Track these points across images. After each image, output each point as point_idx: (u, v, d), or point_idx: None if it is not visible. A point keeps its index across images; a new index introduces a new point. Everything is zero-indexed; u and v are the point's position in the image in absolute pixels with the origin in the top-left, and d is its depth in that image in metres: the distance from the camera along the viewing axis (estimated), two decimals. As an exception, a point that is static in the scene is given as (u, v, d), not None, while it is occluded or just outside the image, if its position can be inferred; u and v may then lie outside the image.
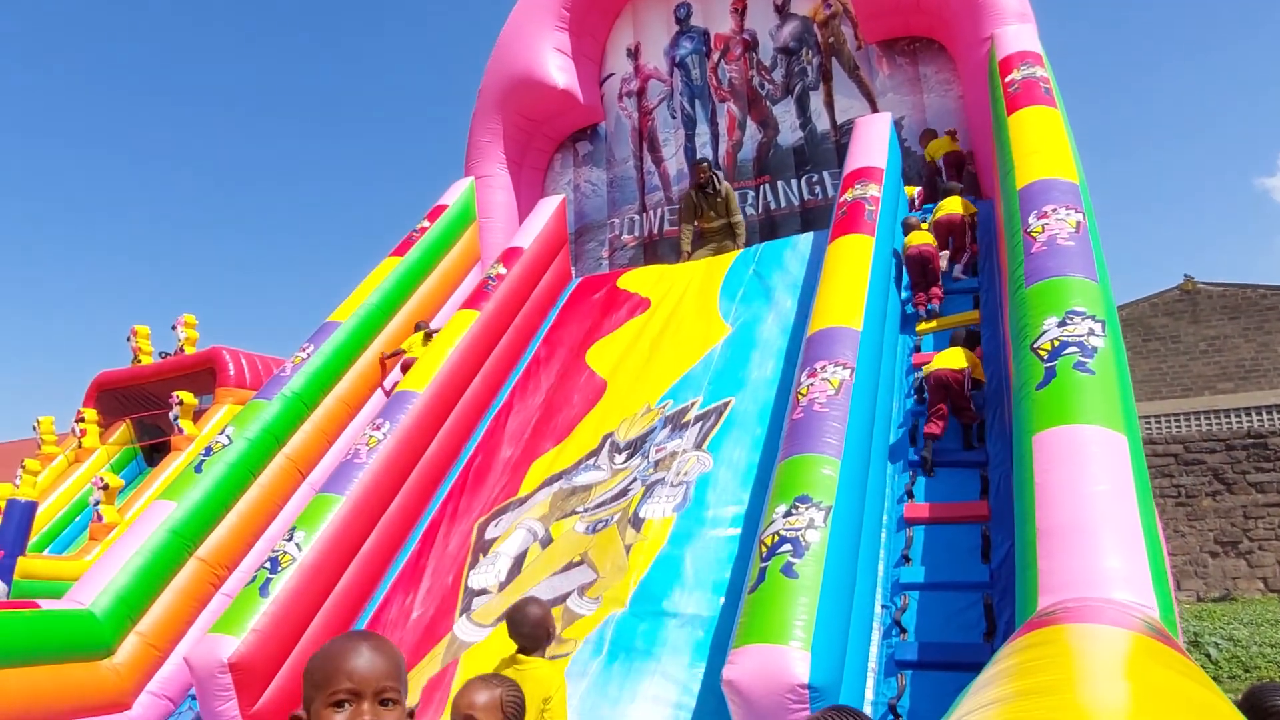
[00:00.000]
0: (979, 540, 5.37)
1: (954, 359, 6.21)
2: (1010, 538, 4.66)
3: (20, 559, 9.92)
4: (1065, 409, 4.34)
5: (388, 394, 8.61)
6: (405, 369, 8.76)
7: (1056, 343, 4.72)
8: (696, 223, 9.90)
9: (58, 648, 5.83)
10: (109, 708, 5.99)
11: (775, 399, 6.94)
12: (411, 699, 5.77)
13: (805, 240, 8.81)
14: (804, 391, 5.61)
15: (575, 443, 7.68)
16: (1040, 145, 6.62)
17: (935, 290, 7.37)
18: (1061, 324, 4.82)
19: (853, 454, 5.19)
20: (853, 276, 6.47)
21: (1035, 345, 4.82)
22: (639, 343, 8.49)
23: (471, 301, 8.87)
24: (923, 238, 7.45)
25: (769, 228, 10.04)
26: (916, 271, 7.44)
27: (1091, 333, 4.72)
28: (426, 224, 9.85)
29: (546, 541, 6.67)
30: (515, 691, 2.23)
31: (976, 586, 5.14)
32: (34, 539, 11.52)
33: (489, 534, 7.11)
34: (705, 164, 9.76)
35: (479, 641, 5.99)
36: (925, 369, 6.41)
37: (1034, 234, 5.67)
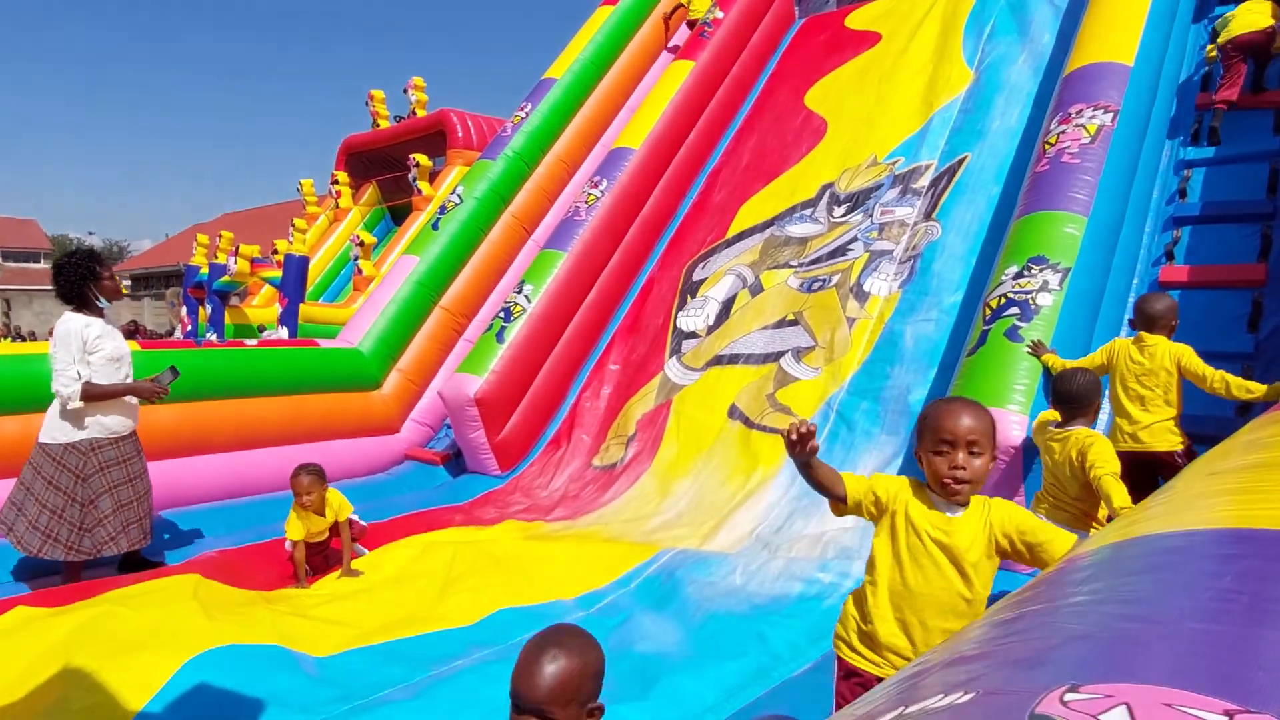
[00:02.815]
0: (1247, 307, 4.78)
1: (1257, 14, 5.38)
2: (1289, 306, 4.10)
3: (301, 306, 11.41)
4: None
5: (673, 53, 8.89)
6: (691, 25, 8.95)
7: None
8: None
9: (340, 379, 6.83)
10: (383, 430, 7.04)
11: (1017, 151, 6.26)
12: (627, 430, 6.27)
13: (1074, -41, 7.48)
14: (1053, 140, 5.01)
15: (789, 185, 7.40)
16: None
17: None
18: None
19: (1104, 211, 4.66)
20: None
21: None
22: (866, 82, 7.76)
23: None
24: None
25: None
26: None
27: None
28: (639, -35, 9.29)
29: (756, 289, 6.68)
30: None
31: (1236, 357, 4.64)
32: (308, 289, 13.16)
33: (696, 275, 7.22)
34: None
35: (690, 384, 6.29)
36: (1223, 34, 5.57)
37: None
